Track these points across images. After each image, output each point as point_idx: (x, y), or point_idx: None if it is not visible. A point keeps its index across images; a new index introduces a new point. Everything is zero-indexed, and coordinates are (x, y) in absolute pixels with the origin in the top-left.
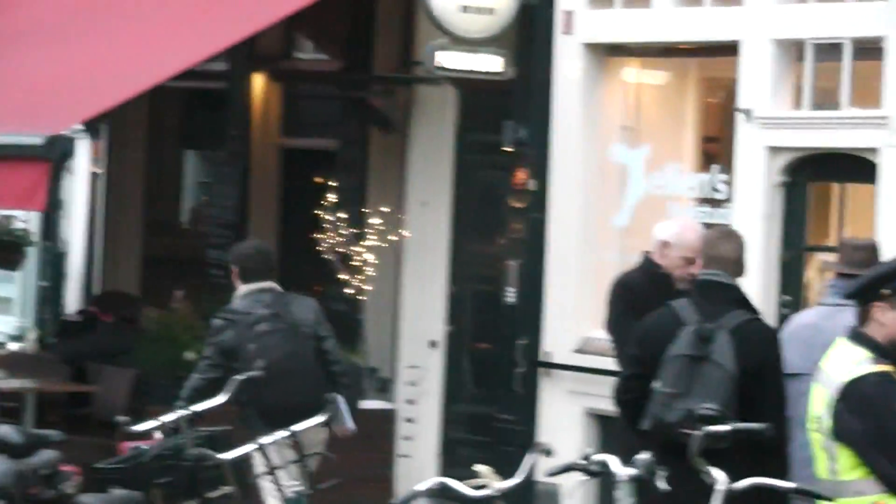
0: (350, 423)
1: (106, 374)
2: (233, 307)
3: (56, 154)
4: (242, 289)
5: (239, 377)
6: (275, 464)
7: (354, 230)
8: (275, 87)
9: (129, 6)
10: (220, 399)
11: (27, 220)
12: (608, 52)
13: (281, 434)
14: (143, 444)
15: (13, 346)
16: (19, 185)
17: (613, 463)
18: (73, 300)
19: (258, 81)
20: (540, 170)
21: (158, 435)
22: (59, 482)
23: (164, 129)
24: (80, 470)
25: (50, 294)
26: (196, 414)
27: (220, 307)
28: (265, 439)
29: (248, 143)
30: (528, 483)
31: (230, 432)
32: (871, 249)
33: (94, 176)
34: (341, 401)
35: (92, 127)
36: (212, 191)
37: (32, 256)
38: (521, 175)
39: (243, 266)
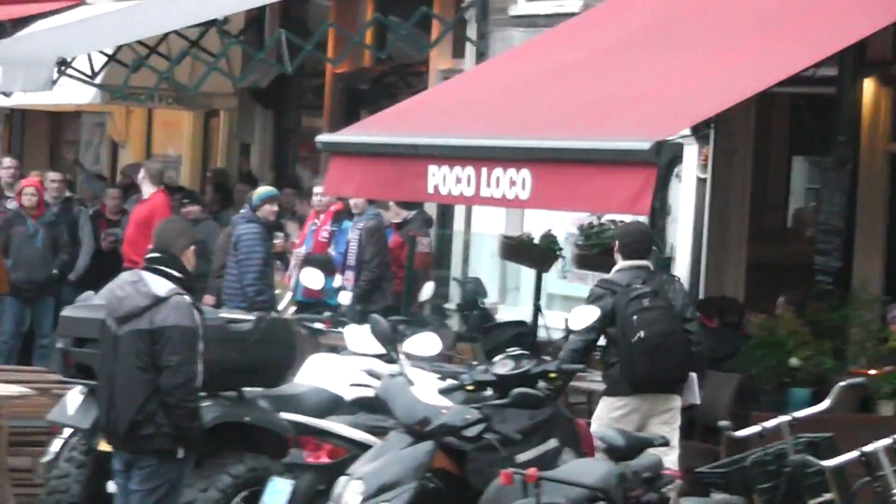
0: (696, 399)
1: (711, 378)
2: (611, 279)
3: (663, 159)
4: (621, 263)
5: (842, 383)
6: (881, 471)
7: None
8: (885, 91)
9: (735, 12)
10: (823, 406)
11: None
12: None
13: (885, 442)
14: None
15: None
16: (626, 190)
17: None
18: None
19: (868, 86)
20: None
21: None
22: (660, 486)
23: (772, 134)
24: (683, 474)
25: None
26: (796, 420)
27: (826, 315)
28: (868, 447)
29: (856, 148)
30: None
31: (832, 439)
32: None
33: (701, 182)
34: (694, 379)
35: (700, 132)
36: (819, 197)
37: None
38: None
39: (625, 243)
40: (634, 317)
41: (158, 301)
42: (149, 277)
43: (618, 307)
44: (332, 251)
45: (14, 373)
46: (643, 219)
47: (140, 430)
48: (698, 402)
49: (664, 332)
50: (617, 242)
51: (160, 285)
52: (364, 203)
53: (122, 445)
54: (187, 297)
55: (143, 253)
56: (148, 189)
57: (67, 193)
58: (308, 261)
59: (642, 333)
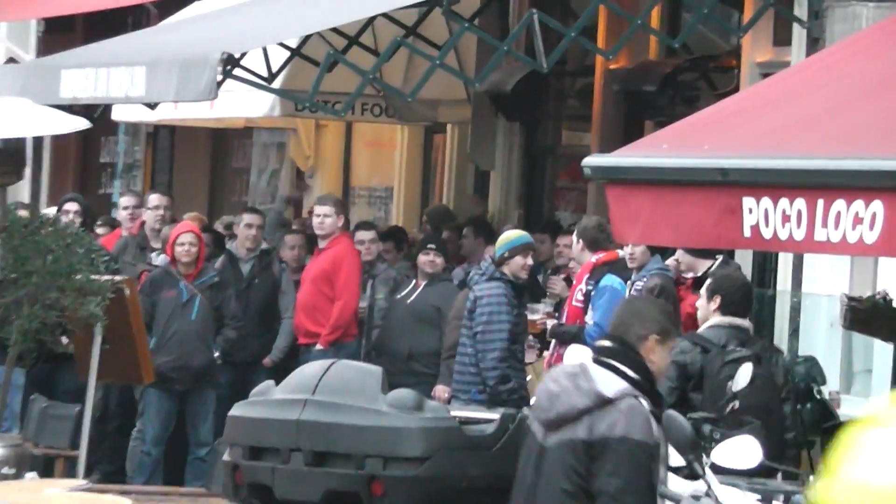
0: None
1: None
2: (703, 334)
3: None
4: (715, 319)
5: None
6: None
7: None
8: None
9: None
10: None
11: None
12: None
13: None
14: None
15: None
16: None
17: None
18: None
19: None
20: None
21: None
22: None
23: None
24: None
25: None
26: None
27: None
28: None
29: None
30: None
31: None
32: None
33: None
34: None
35: None
36: None
37: None
38: None
39: (726, 295)
40: (729, 383)
41: (603, 403)
42: (596, 371)
43: (708, 370)
44: (589, 319)
45: (161, 496)
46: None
47: None
48: None
49: (763, 407)
50: (715, 295)
51: (609, 382)
52: (644, 253)
53: None
54: (645, 403)
55: (324, 322)
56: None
57: (264, 245)
58: (555, 334)
59: (736, 404)
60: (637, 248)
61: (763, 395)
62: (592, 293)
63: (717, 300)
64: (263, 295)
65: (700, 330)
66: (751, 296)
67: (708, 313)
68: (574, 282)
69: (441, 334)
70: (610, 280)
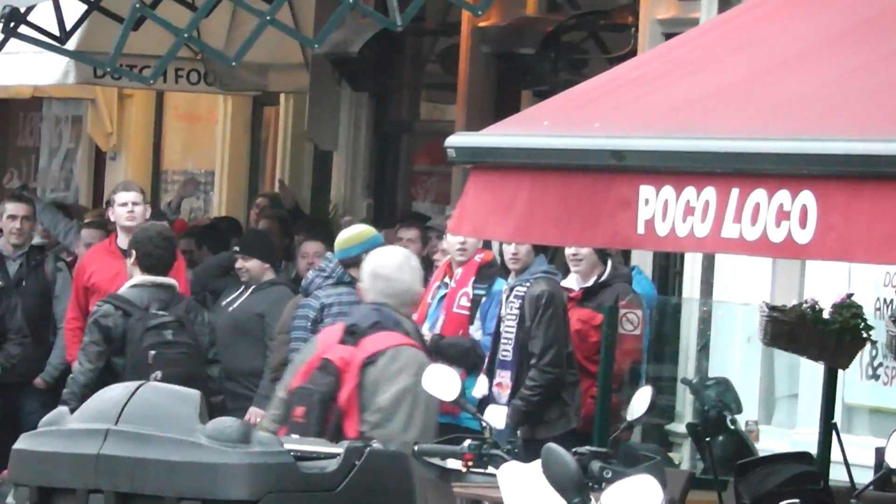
0: None
1: None
2: (124, 295)
3: None
4: (137, 277)
5: None
6: None
7: None
8: None
9: None
10: None
11: None
12: None
13: None
14: None
15: None
16: None
17: None
18: None
19: None
20: None
21: None
22: None
23: None
24: None
25: None
26: None
27: None
28: None
29: None
30: None
31: None
32: None
33: None
34: None
35: None
36: None
37: None
38: None
39: (144, 251)
40: (152, 352)
41: None
42: None
43: (131, 335)
44: (475, 332)
45: None
46: None
47: None
48: None
49: (186, 375)
50: (132, 249)
51: None
52: (529, 253)
53: None
54: None
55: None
56: None
57: (37, 239)
58: (438, 348)
59: (159, 374)
60: (521, 246)
61: (184, 364)
62: (483, 299)
63: (134, 254)
64: (32, 300)
65: (122, 290)
66: (170, 248)
67: (132, 271)
68: (451, 284)
69: (265, 348)
70: (503, 284)
